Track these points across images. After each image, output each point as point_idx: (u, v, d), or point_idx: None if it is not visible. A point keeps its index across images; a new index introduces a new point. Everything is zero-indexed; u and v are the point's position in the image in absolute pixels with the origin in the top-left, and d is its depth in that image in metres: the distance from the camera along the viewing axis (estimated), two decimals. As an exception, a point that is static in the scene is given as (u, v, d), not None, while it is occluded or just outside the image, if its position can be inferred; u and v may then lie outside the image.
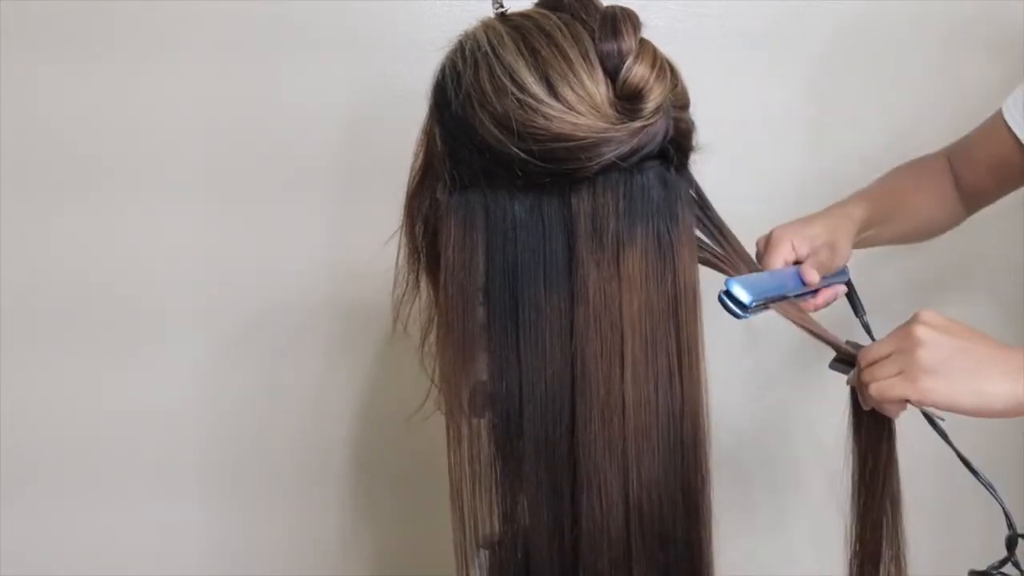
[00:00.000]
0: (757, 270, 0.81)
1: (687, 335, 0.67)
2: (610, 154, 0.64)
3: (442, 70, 0.69)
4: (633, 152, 0.64)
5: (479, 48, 0.66)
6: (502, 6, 0.70)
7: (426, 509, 1.20)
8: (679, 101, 0.68)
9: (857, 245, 0.98)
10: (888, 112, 1.31)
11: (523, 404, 0.66)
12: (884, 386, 0.73)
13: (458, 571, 0.70)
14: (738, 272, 0.77)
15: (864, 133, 1.31)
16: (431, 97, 0.70)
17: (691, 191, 0.71)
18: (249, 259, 1.17)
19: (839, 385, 0.81)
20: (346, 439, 1.23)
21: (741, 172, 1.16)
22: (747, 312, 0.77)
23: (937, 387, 0.71)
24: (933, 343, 0.71)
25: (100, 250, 1.14)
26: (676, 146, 0.68)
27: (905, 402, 0.73)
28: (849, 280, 0.95)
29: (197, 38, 1.13)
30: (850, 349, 0.80)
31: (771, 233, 0.92)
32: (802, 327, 0.81)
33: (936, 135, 1.31)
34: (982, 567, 0.83)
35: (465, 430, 0.69)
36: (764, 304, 0.79)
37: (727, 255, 0.76)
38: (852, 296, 0.96)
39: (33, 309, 1.13)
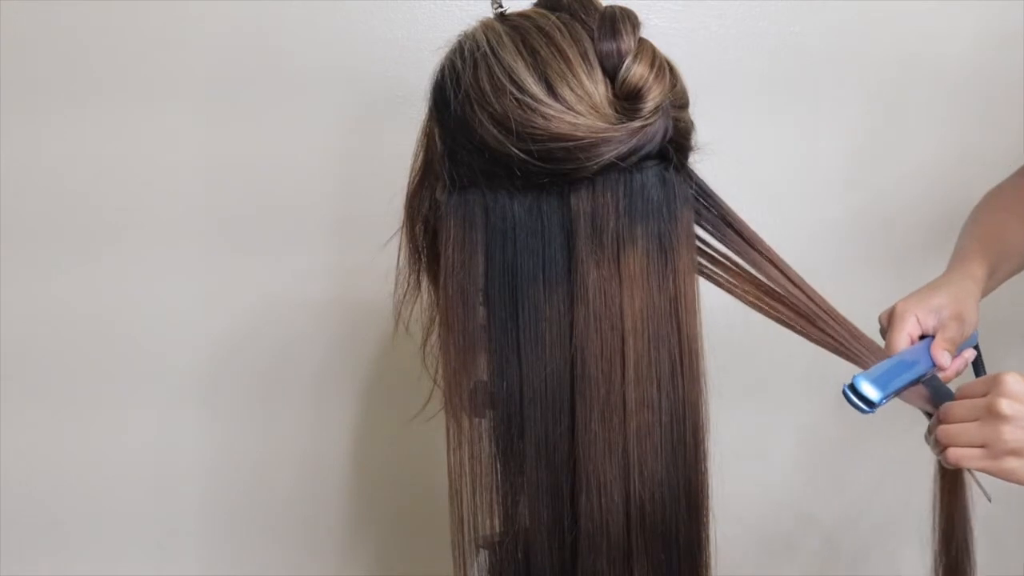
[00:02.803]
0: (780, 271, 0.75)
1: (687, 334, 0.67)
2: (609, 154, 0.63)
3: (441, 70, 0.69)
4: (632, 152, 0.64)
5: (478, 48, 0.66)
6: (501, 6, 0.71)
7: (426, 510, 1.20)
8: (678, 100, 0.68)
9: None
10: (890, 111, 1.31)
11: (523, 404, 0.66)
12: (963, 456, 0.73)
13: (456, 571, 0.70)
14: (743, 294, 0.74)
15: (865, 132, 1.31)
16: (430, 97, 0.70)
17: (691, 189, 0.70)
18: (249, 258, 1.17)
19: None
20: (346, 439, 1.23)
21: (740, 172, 1.16)
22: (874, 408, 0.76)
23: (1021, 468, 0.70)
24: (1019, 420, 0.70)
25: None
26: (675, 146, 0.68)
27: None
28: (976, 344, 0.91)
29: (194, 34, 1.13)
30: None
31: (894, 308, 0.87)
32: (922, 408, 0.82)
33: (941, 134, 1.32)
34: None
35: (466, 430, 0.69)
36: (894, 396, 0.78)
37: (740, 251, 0.74)
38: (978, 359, 0.92)
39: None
